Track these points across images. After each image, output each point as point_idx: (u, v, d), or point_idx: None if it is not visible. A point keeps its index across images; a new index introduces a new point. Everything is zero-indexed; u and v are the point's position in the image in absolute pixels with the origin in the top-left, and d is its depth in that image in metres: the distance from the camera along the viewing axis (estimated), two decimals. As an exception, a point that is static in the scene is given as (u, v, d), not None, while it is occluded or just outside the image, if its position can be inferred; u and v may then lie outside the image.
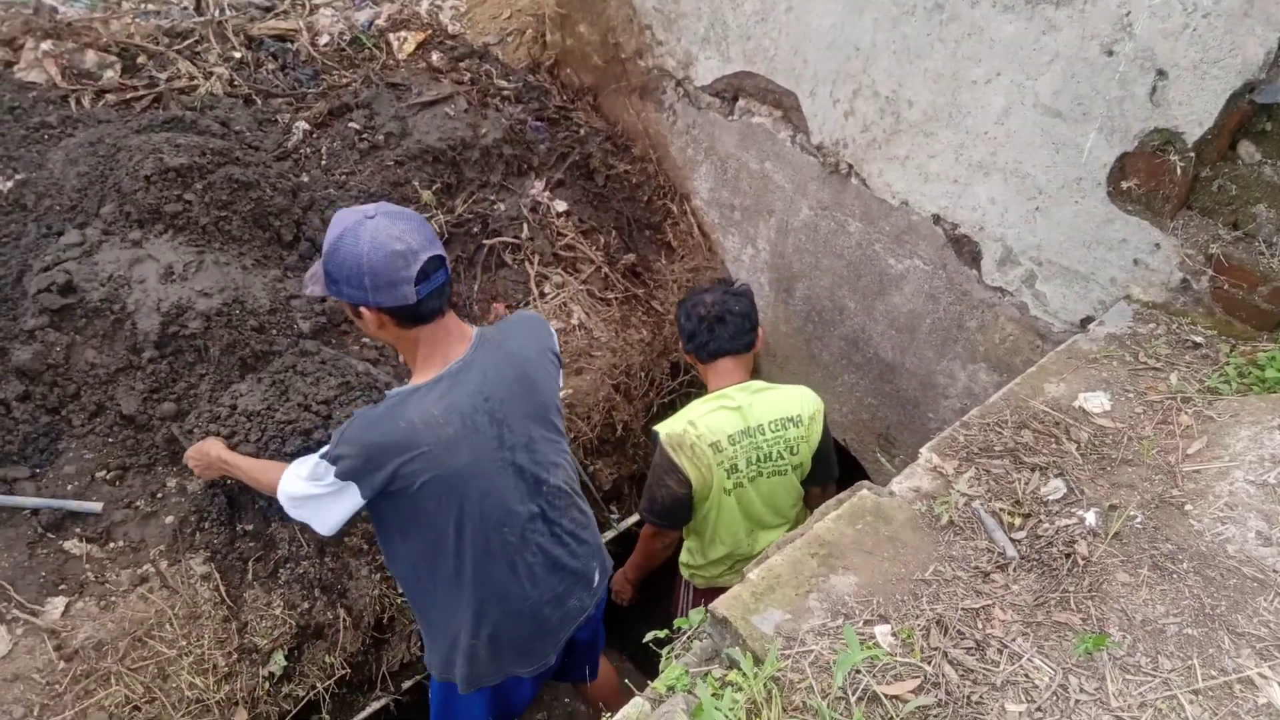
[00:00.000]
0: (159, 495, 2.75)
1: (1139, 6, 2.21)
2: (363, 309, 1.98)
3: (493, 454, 2.14)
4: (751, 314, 2.83)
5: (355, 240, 1.90)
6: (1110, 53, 2.32)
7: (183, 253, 2.90)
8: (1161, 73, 2.25)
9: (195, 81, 3.72)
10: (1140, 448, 2.07)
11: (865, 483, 2.26)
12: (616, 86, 3.91)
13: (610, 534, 3.55)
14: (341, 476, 1.99)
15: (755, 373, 3.72)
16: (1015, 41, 2.50)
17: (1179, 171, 2.34)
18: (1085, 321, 2.72)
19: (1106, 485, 1.99)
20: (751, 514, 2.84)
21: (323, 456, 2.01)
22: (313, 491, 2.03)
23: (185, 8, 4.31)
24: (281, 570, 2.72)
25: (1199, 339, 2.41)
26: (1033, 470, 2.05)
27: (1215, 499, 1.91)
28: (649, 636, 1.99)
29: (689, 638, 1.91)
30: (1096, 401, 2.23)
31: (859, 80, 2.95)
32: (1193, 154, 2.30)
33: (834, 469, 2.94)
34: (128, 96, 3.59)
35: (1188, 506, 1.90)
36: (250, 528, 2.74)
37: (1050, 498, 1.98)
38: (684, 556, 3.03)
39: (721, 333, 2.75)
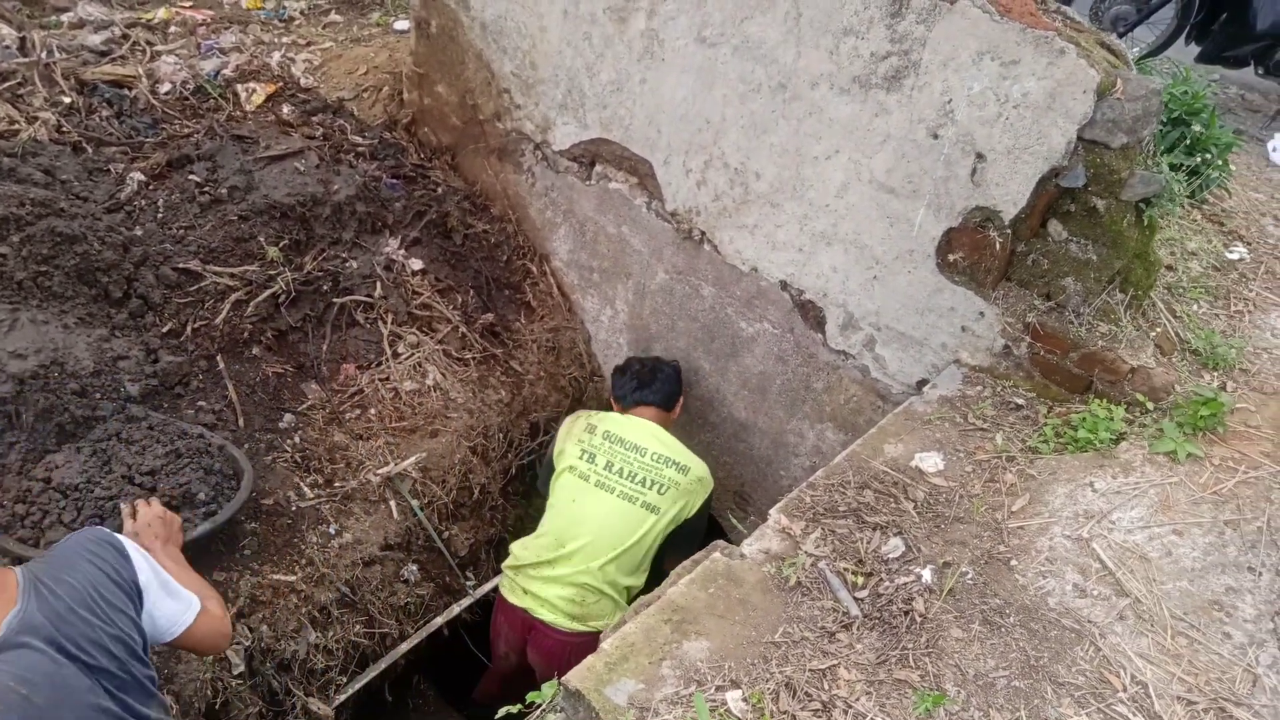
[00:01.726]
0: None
1: (959, 95, 2.41)
2: None
3: None
4: (677, 381, 3.40)
5: None
6: (935, 136, 2.51)
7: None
8: (980, 156, 2.45)
9: (16, 126, 3.46)
10: (971, 505, 2.19)
11: (720, 543, 2.29)
12: (475, 147, 3.90)
13: (466, 601, 3.44)
14: None
15: None
16: (851, 122, 2.67)
17: (998, 246, 2.54)
18: (921, 384, 2.88)
19: (941, 542, 2.09)
20: (578, 516, 3.02)
21: None
22: None
23: (7, 47, 4.02)
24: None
25: (1021, 401, 2.60)
26: (874, 529, 2.14)
27: (1037, 554, 2.04)
28: (501, 713, 1.92)
29: (542, 712, 1.86)
30: (931, 461, 2.35)
31: (710, 151, 3.07)
32: (1009, 230, 2.51)
33: (694, 549, 3.01)
34: (-66, 139, 3.29)
35: (1013, 562, 2.02)
36: (61, 612, 2.49)
37: (890, 556, 2.06)
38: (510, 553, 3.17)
39: (646, 383, 3.29)
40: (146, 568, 1.82)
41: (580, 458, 3.10)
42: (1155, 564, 1.99)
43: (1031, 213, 2.46)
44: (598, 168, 3.49)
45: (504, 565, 3.20)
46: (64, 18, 4.55)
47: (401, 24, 4.76)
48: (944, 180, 2.55)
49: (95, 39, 4.21)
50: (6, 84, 3.62)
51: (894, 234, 2.74)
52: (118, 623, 1.68)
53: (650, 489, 3.02)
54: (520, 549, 3.13)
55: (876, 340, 2.96)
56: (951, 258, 2.65)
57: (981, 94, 2.36)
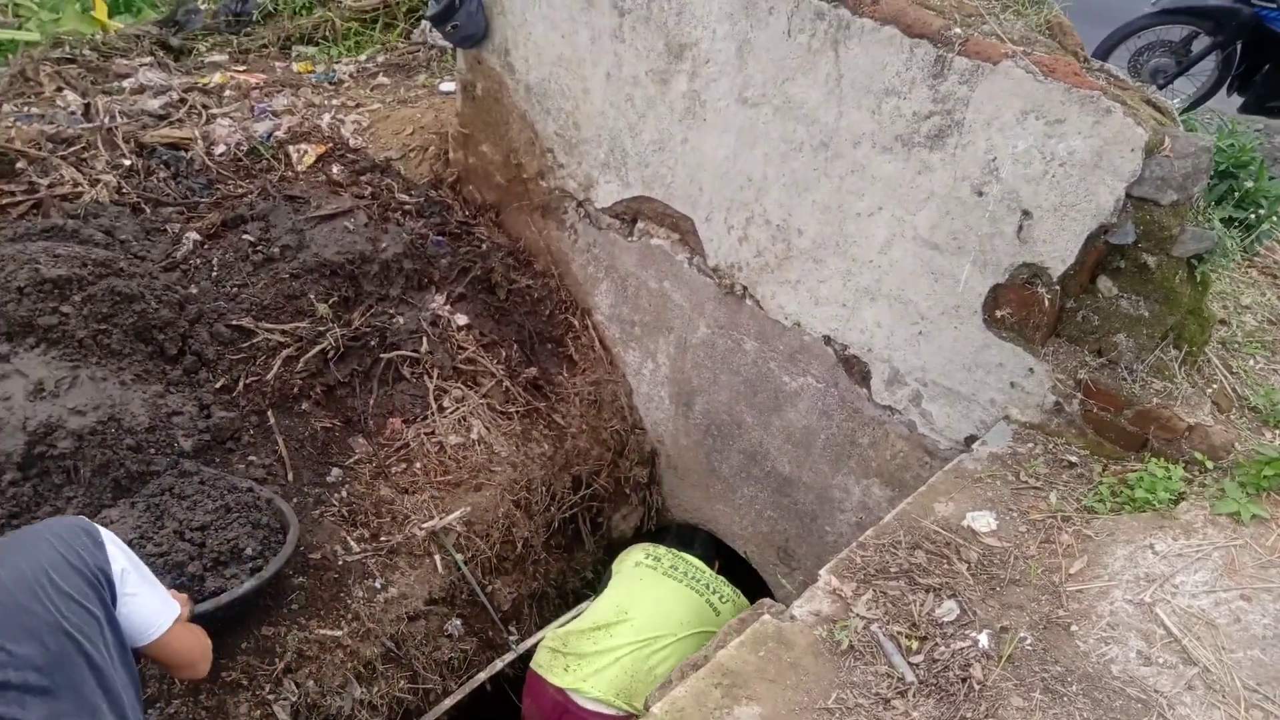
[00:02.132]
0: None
1: (1004, 153, 2.42)
2: None
3: None
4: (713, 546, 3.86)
5: None
6: (980, 193, 2.51)
7: (55, 368, 2.74)
8: (1026, 213, 2.45)
9: (79, 188, 3.60)
10: (1026, 567, 2.15)
11: (767, 602, 2.27)
12: (519, 204, 3.98)
13: (510, 656, 3.42)
14: None
15: (658, 483, 3.86)
16: (894, 179, 2.68)
17: (1047, 302, 2.52)
18: (969, 440, 2.84)
19: (997, 606, 2.04)
20: (643, 592, 3.17)
21: None
22: None
23: (73, 113, 4.20)
24: (150, 711, 2.49)
25: (1074, 458, 2.55)
26: (927, 591, 2.10)
27: (1098, 619, 1.98)
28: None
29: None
30: (983, 521, 2.31)
31: (752, 209, 3.10)
32: (1058, 287, 2.49)
33: None
34: (3, 203, 3.43)
35: (1073, 627, 1.96)
36: (113, 667, 2.51)
37: (945, 619, 2.02)
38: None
39: (688, 544, 3.68)
40: (123, 558, 1.69)
41: (645, 558, 3.33)
42: (1223, 631, 1.93)
43: (1080, 269, 2.44)
44: (640, 224, 3.54)
45: (545, 643, 3.16)
46: (125, 84, 4.75)
47: (447, 85, 4.89)
48: (989, 237, 2.55)
49: (154, 103, 4.38)
50: (72, 149, 3.77)
51: (939, 290, 2.73)
52: (63, 611, 1.52)
53: (714, 594, 3.24)
54: (569, 625, 3.15)
55: (923, 395, 2.93)
56: (999, 314, 2.63)
57: (1027, 152, 2.37)
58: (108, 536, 1.69)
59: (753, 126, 2.97)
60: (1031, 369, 2.62)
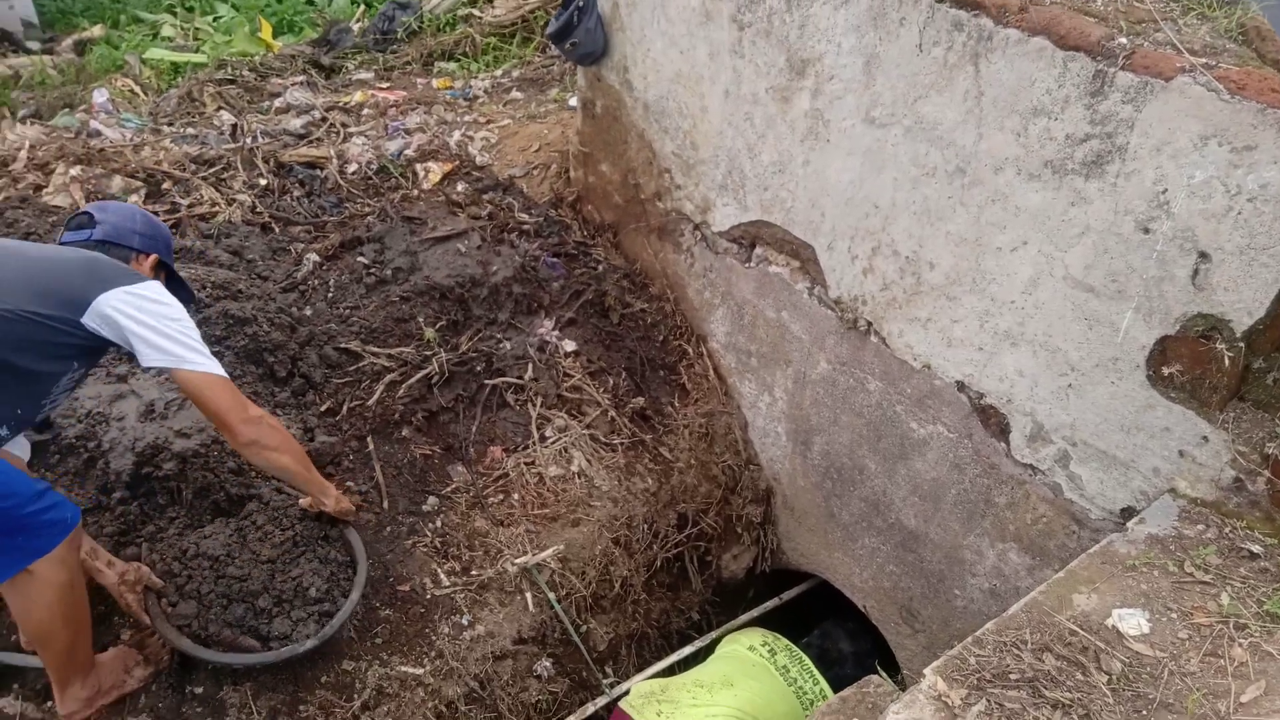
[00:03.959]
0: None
1: (1177, 185, 2.03)
2: None
3: None
4: None
5: None
6: (1146, 230, 2.14)
7: (166, 390, 2.80)
8: (1204, 255, 2.05)
9: (216, 208, 3.73)
10: (1183, 687, 1.78)
11: (874, 680, 2.03)
12: (636, 225, 3.83)
13: (603, 700, 3.26)
14: None
15: (773, 523, 3.67)
16: (1043, 211, 2.33)
17: (1227, 361, 2.11)
18: (1126, 512, 2.45)
19: (1142, 736, 1.69)
20: (751, 672, 3.00)
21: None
22: None
23: (222, 134, 4.40)
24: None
25: (1257, 548, 2.12)
26: (1054, 708, 1.77)
27: (1275, 768, 1.60)
28: None
29: None
30: (1133, 622, 1.95)
31: (878, 238, 2.80)
32: (1242, 343, 2.08)
33: None
34: (147, 221, 3.59)
35: (1241, 777, 1.59)
36: (200, 690, 2.54)
37: (1075, 747, 1.69)
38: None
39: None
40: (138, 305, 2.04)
41: (761, 645, 3.14)
42: None
43: (1273, 324, 2.02)
44: (758, 250, 3.30)
45: (640, 686, 2.97)
46: (275, 103, 4.96)
47: (575, 101, 4.81)
48: (1157, 281, 2.16)
49: (297, 123, 4.53)
50: (213, 169, 3.93)
51: (1093, 338, 2.36)
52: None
53: (805, 677, 3.08)
54: (670, 677, 2.98)
55: (1071, 457, 2.55)
56: (1166, 370, 2.23)
57: (1206, 184, 1.98)
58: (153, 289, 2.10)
59: (880, 148, 2.68)
60: (1206, 437, 2.21)
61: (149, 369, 2.39)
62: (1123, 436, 2.40)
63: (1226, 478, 2.20)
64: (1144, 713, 1.74)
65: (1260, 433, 2.14)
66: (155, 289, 2.11)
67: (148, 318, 2.04)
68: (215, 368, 2.16)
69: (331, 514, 2.67)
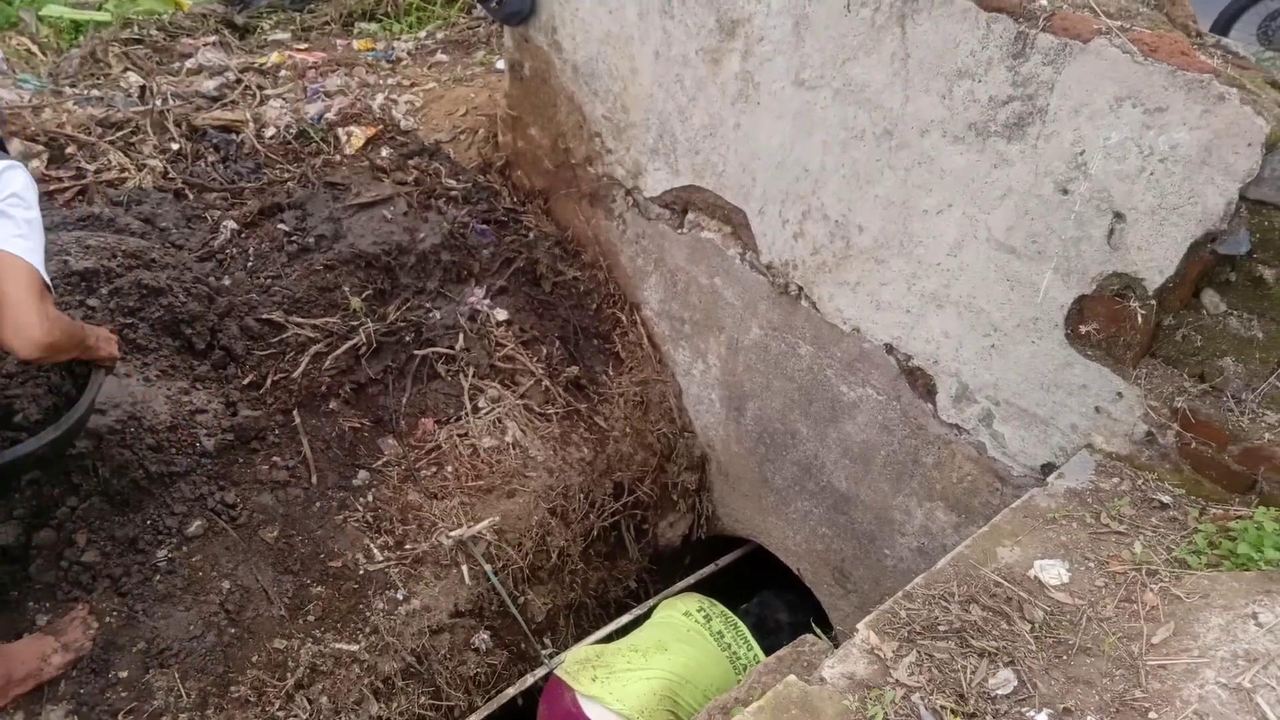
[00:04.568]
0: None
1: (1093, 146, 2.08)
2: None
3: None
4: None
5: None
6: (1065, 191, 2.18)
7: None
8: (1119, 215, 2.11)
9: (125, 173, 3.55)
10: (1100, 632, 1.85)
11: (808, 639, 2.07)
12: (567, 191, 3.77)
13: (542, 670, 3.26)
14: None
15: (708, 490, 3.70)
16: (966, 173, 2.37)
17: (1140, 318, 2.18)
18: (1046, 468, 2.53)
19: (1062, 679, 1.76)
20: (684, 637, 2.99)
21: None
22: None
23: (130, 95, 4.17)
24: (154, 726, 2.43)
25: (1166, 498, 2.22)
26: (981, 656, 1.83)
27: (1183, 704, 1.68)
28: None
29: None
30: (1053, 572, 2.02)
31: (808, 201, 2.81)
32: (1154, 301, 2.15)
33: None
34: (50, 189, 3.40)
35: (1151, 714, 1.67)
36: (124, 675, 2.45)
37: (999, 692, 1.75)
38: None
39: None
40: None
41: (696, 611, 3.15)
42: (1342, 732, 1.60)
43: (1182, 281, 2.09)
44: (690, 216, 3.29)
45: (576, 653, 2.97)
46: (186, 64, 4.72)
47: (503, 63, 4.71)
48: (1075, 241, 2.21)
49: (210, 85, 4.33)
50: (121, 133, 3.73)
51: (1015, 299, 2.41)
52: None
53: (739, 643, 3.10)
54: (599, 646, 2.98)
55: (994, 415, 2.62)
56: (1084, 329, 2.30)
57: (1120, 145, 2.03)
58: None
59: (810, 111, 2.68)
60: (1120, 393, 2.29)
61: None
62: (1043, 394, 2.47)
63: (1139, 432, 2.29)
64: (1065, 657, 1.80)
65: (1170, 388, 2.22)
66: None
67: None
68: (23, 251, 1.88)
69: (88, 356, 2.25)
